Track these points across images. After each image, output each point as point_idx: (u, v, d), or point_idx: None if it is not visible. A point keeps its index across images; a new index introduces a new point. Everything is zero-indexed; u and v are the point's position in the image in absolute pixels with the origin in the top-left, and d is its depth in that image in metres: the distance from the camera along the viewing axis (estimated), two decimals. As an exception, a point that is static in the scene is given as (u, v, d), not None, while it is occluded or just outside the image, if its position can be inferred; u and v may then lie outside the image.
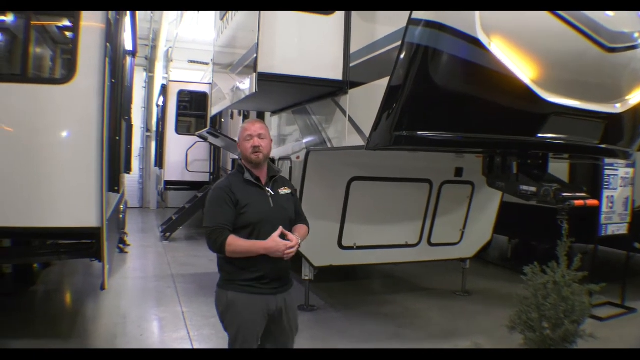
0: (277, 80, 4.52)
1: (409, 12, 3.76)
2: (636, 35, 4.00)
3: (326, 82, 4.70)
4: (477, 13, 3.48)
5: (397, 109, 3.88)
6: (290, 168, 6.58)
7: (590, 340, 4.19)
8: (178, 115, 13.00)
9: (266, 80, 4.44)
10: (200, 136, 10.82)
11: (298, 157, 6.28)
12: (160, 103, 14.47)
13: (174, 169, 12.71)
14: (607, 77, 4.04)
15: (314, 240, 6.05)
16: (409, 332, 5.74)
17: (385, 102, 3.95)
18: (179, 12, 14.55)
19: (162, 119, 13.43)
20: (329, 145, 5.17)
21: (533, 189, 4.36)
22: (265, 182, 3.09)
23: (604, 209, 6.29)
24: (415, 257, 7.00)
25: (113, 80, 4.48)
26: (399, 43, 3.83)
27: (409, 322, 6.11)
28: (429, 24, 3.59)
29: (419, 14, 3.64)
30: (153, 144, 17.19)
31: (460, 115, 3.88)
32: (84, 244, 4.74)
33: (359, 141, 4.44)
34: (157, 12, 14.84)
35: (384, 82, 4.01)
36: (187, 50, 17.24)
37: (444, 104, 3.85)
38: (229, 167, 11.02)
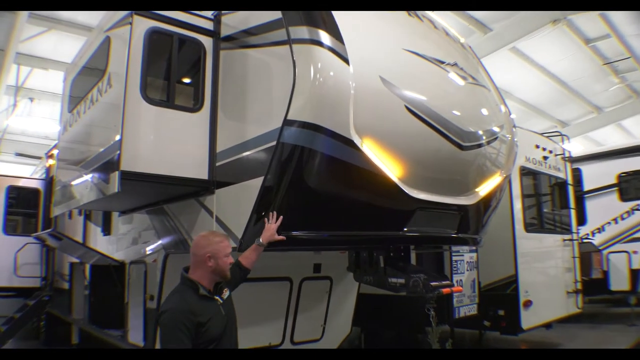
0: (141, 179, 4.21)
1: (277, 114, 3.79)
2: (480, 133, 4.48)
3: (192, 181, 4.50)
4: (351, 114, 3.61)
5: (272, 210, 3.80)
6: (145, 272, 6.07)
7: None
8: (7, 213, 11.56)
9: (130, 179, 4.12)
10: (38, 237, 9.66)
11: (155, 260, 5.83)
12: (-17, 200, 12.77)
13: (0, 274, 11.11)
14: (461, 172, 4.45)
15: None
16: None
17: (259, 202, 3.87)
18: (11, 101, 13.31)
19: (-14, 217, 11.80)
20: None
21: (402, 280, 4.49)
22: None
23: (455, 292, 6.67)
24: (280, 357, 6.71)
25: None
26: (272, 143, 3.82)
27: None
28: (305, 124, 3.63)
29: (293, 115, 3.67)
30: (-31, 246, 15.00)
31: (336, 213, 3.93)
32: None
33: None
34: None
35: (255, 182, 3.94)
36: (16, 143, 15.80)
37: (320, 203, 3.87)
38: (66, 271, 9.89)
